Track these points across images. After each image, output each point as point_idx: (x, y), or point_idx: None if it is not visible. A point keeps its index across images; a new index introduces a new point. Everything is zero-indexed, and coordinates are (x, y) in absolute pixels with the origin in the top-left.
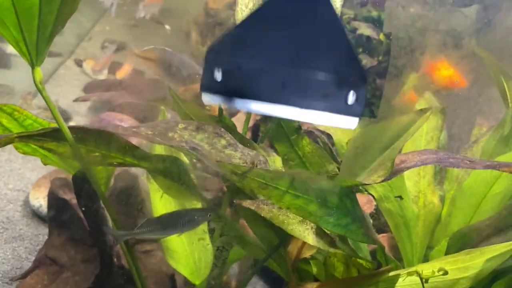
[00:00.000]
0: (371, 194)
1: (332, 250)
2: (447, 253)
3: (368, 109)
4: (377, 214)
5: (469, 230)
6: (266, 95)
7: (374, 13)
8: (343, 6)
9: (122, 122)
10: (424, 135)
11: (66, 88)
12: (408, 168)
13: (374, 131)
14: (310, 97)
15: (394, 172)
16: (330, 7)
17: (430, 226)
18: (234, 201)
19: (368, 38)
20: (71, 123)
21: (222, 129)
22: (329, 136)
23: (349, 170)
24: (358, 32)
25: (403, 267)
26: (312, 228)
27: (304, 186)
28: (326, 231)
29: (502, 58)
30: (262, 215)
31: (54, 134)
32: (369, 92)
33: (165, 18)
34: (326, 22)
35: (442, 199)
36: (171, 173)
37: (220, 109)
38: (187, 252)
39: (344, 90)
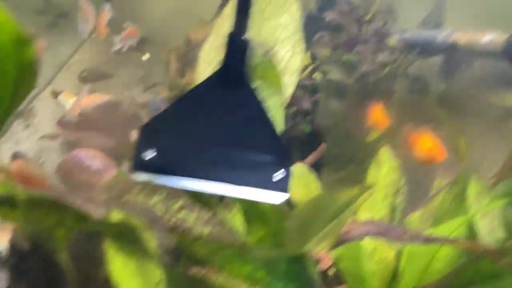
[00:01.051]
0: None
1: None
2: None
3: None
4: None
5: None
6: (197, 172)
7: (346, 57)
8: (316, 44)
9: (94, 160)
10: (381, 189)
11: (40, 122)
12: (352, 239)
13: (323, 201)
14: (239, 174)
15: (339, 243)
16: (253, 92)
17: (386, 283)
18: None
19: (338, 82)
20: (42, 161)
21: (179, 191)
22: None
23: (298, 236)
24: (328, 76)
25: None
26: None
27: (252, 255)
28: None
29: (462, 108)
30: (211, 281)
31: (5, 200)
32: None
33: (146, 48)
34: (251, 106)
35: (399, 254)
36: (125, 236)
37: None
38: None
39: (271, 167)
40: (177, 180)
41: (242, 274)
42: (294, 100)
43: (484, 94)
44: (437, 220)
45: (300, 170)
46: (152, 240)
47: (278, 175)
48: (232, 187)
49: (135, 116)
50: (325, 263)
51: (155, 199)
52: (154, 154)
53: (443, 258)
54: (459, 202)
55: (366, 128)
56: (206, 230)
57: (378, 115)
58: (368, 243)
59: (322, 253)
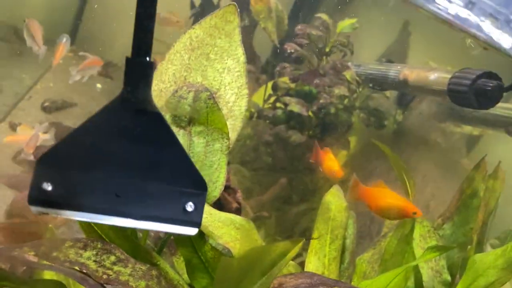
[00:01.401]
0: None
1: None
2: None
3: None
4: None
5: None
6: (99, 206)
7: (306, 88)
8: (278, 75)
9: None
10: (329, 233)
11: None
12: None
13: (257, 253)
14: (146, 207)
15: None
16: (159, 116)
17: None
18: None
19: (298, 113)
20: None
21: (113, 245)
22: None
23: (236, 282)
24: (288, 108)
25: None
26: None
27: None
28: None
29: (419, 136)
30: None
31: None
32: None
33: (112, 72)
34: (161, 134)
35: None
36: None
37: None
38: None
39: (182, 199)
40: (77, 214)
41: None
42: (256, 132)
43: (439, 125)
44: (384, 262)
45: (241, 222)
46: None
47: (191, 207)
48: (138, 222)
49: None
50: None
51: (87, 254)
52: (50, 187)
53: None
54: (405, 244)
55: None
56: (141, 284)
57: (330, 163)
58: None
59: None
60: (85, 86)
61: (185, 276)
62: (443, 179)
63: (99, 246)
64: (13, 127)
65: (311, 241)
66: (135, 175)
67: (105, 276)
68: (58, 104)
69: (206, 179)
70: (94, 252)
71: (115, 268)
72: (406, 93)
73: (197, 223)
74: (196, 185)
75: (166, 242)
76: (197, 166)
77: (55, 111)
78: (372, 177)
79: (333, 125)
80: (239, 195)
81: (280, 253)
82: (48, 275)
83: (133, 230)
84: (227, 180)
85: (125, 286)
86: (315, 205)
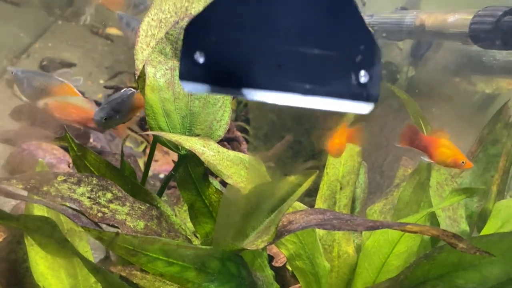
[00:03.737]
0: None
1: None
2: None
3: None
4: None
5: None
6: (259, 79)
7: None
8: None
9: (46, 152)
10: (340, 178)
11: None
12: (292, 231)
13: (265, 190)
14: (312, 80)
15: (279, 235)
16: None
17: (345, 278)
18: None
19: None
20: None
21: (109, 181)
22: None
23: (238, 230)
24: None
25: None
26: None
27: (178, 252)
28: None
29: (433, 91)
30: (134, 281)
31: None
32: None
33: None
34: None
35: (359, 248)
36: (45, 231)
37: (122, 155)
38: None
39: (354, 69)
40: (235, 90)
41: (168, 274)
42: None
43: (454, 80)
44: (397, 212)
45: (251, 161)
46: (81, 241)
47: (365, 78)
48: (304, 98)
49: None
50: (281, 260)
51: (81, 190)
52: (203, 58)
53: (401, 255)
54: (421, 192)
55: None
56: (140, 224)
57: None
58: (326, 234)
59: (278, 248)
60: (84, 47)
61: (189, 225)
62: (459, 132)
63: (94, 181)
64: (9, 84)
65: (321, 187)
66: (298, 41)
67: (100, 214)
68: (56, 63)
69: (210, 117)
70: (89, 188)
71: (112, 206)
72: (423, 40)
73: (374, 97)
74: (370, 52)
75: (166, 184)
76: (201, 103)
77: (53, 70)
78: (383, 132)
79: None
80: (244, 146)
81: (289, 188)
82: (38, 210)
83: (132, 171)
84: (232, 132)
85: (122, 226)
86: (323, 163)
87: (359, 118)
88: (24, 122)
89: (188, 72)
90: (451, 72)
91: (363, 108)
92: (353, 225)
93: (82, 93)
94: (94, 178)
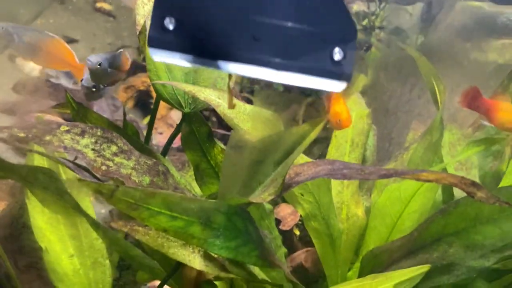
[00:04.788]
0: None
1: (222, 274)
2: (360, 274)
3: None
4: (303, 224)
5: (380, 251)
6: (232, 51)
7: None
8: None
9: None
10: (349, 141)
11: None
12: (300, 182)
13: (270, 143)
14: (287, 55)
15: (286, 188)
16: None
17: (354, 241)
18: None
19: None
20: None
21: (115, 134)
22: None
23: (243, 184)
24: None
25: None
26: (199, 251)
27: (182, 206)
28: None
29: (444, 56)
30: (136, 238)
31: None
32: None
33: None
34: None
35: (368, 211)
36: (46, 186)
37: (125, 115)
38: (80, 274)
39: (329, 46)
40: (206, 61)
41: (171, 230)
42: None
43: (465, 46)
44: None
45: (267, 115)
46: (84, 197)
47: (339, 55)
48: (277, 73)
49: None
50: (288, 223)
51: (85, 141)
52: (173, 25)
53: (413, 214)
54: (433, 152)
55: None
56: (145, 179)
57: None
58: (335, 196)
59: (285, 211)
60: (87, 23)
61: (196, 189)
62: None
63: (98, 133)
64: (11, 59)
65: (329, 149)
66: (274, 13)
67: (104, 167)
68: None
69: (215, 74)
70: (93, 140)
71: (116, 159)
72: (434, 4)
73: (347, 75)
74: (345, 29)
75: (170, 143)
76: None
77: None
78: (392, 99)
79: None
80: None
81: (296, 139)
82: (38, 161)
83: (135, 131)
84: (236, 96)
85: (127, 181)
86: (329, 134)
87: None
88: (27, 95)
89: (157, 39)
90: (462, 37)
91: (336, 86)
92: (365, 174)
93: None
94: (99, 130)
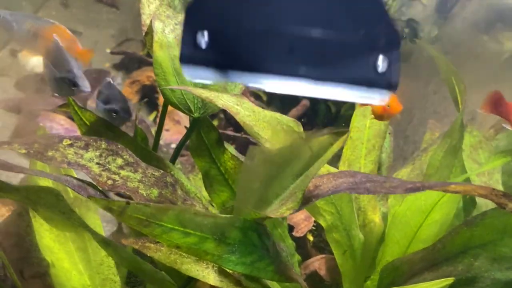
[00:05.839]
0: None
1: None
2: (379, 286)
3: None
4: (317, 230)
5: (401, 262)
6: (268, 65)
7: None
8: None
9: (53, 122)
10: (365, 142)
11: None
12: (320, 196)
13: (289, 154)
14: (326, 66)
15: (305, 202)
16: None
17: (371, 248)
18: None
19: None
20: None
21: (120, 146)
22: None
23: (260, 197)
24: None
25: None
26: (213, 266)
27: (196, 222)
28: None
29: (459, 50)
30: (148, 255)
31: None
32: None
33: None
34: None
35: (385, 217)
36: (49, 205)
37: (136, 118)
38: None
39: (373, 55)
40: (241, 76)
41: (184, 246)
42: None
43: (482, 38)
44: (427, 178)
45: (288, 121)
46: (89, 211)
47: (383, 64)
48: (317, 86)
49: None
50: (302, 229)
51: (89, 155)
52: (206, 40)
53: (433, 225)
54: (453, 156)
55: None
56: (154, 192)
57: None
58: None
59: (298, 217)
60: (89, 15)
61: (205, 194)
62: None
63: (103, 146)
64: (14, 54)
65: (344, 151)
66: (310, 23)
67: (110, 182)
68: None
69: None
70: (98, 153)
71: (123, 172)
72: None
73: (392, 85)
74: (389, 36)
75: (180, 150)
76: None
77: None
78: (406, 96)
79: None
80: None
81: (317, 150)
82: (42, 180)
83: (144, 136)
84: (246, 97)
85: (135, 194)
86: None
87: None
88: (30, 92)
89: (190, 56)
90: (479, 30)
91: (381, 98)
92: (390, 187)
93: (90, 64)
94: (103, 142)
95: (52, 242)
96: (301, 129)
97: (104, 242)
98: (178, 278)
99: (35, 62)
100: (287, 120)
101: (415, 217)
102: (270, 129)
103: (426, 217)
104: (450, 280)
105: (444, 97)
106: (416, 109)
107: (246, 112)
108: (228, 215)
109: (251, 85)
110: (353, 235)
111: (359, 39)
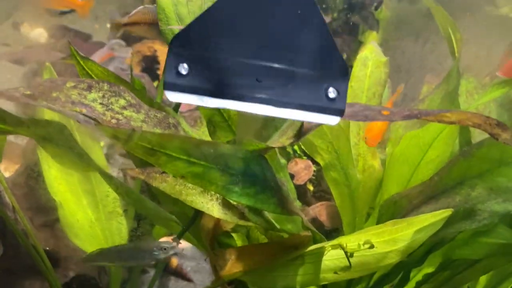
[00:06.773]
0: (312, 160)
1: (241, 222)
2: (378, 222)
3: None
4: (317, 180)
5: (400, 197)
6: (239, 92)
7: None
8: None
9: None
10: (365, 91)
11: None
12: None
13: None
14: (286, 94)
15: (304, 132)
16: None
17: (370, 192)
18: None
19: None
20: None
21: (122, 87)
22: None
23: (261, 130)
24: None
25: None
26: (217, 198)
27: (200, 151)
28: (232, 201)
29: (456, 9)
30: (154, 185)
31: None
32: None
33: None
34: (303, 10)
35: (384, 163)
36: (57, 140)
37: (131, 70)
38: (96, 229)
39: (324, 85)
40: (216, 101)
41: (190, 176)
42: None
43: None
44: (425, 123)
45: None
46: (97, 150)
47: (333, 93)
48: (279, 110)
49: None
50: (303, 177)
51: (92, 96)
52: (186, 70)
53: (430, 164)
54: (450, 101)
55: None
56: (157, 132)
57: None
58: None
59: (299, 166)
60: None
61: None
62: (487, 47)
63: (105, 87)
64: (16, 27)
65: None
66: (275, 57)
67: (113, 121)
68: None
69: None
70: (100, 94)
71: (126, 112)
72: None
73: (340, 111)
74: (338, 69)
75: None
76: None
77: (61, 14)
78: (404, 55)
79: (361, 3)
80: None
81: None
82: (48, 115)
83: (142, 86)
84: None
85: (119, 132)
86: None
87: None
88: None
89: (173, 83)
90: None
91: (332, 120)
92: (387, 115)
93: (90, 36)
94: (105, 84)
95: (59, 179)
96: None
97: (108, 178)
98: (182, 217)
99: (38, 32)
100: None
101: (413, 154)
102: None
103: (424, 155)
104: (449, 212)
105: (440, 55)
106: (413, 68)
107: None
108: (231, 145)
109: (224, 107)
110: (351, 175)
111: (312, 72)
